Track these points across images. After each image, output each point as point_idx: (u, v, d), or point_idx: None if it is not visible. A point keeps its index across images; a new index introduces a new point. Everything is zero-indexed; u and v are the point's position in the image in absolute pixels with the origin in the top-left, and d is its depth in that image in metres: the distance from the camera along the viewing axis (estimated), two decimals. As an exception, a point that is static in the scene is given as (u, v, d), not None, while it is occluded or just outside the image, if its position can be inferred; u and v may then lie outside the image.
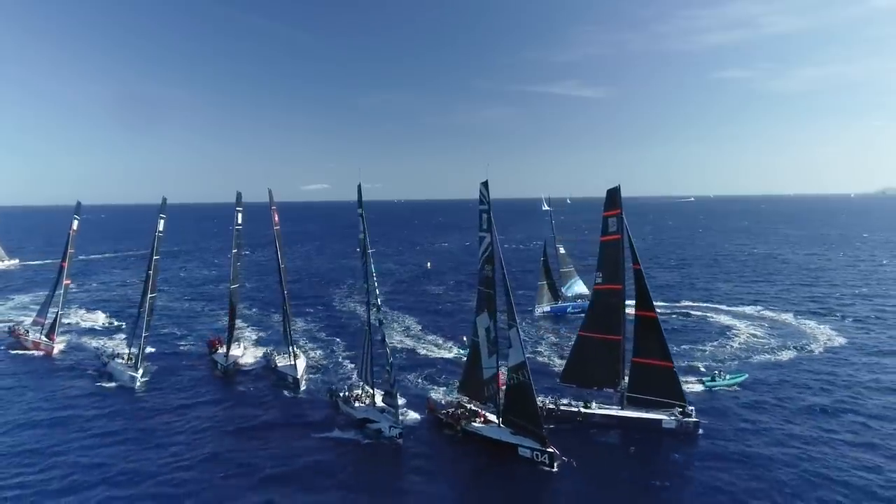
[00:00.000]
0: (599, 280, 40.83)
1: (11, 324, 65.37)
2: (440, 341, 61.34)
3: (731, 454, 34.13)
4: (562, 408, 39.37)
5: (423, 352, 57.61)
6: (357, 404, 41.02)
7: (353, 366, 52.77)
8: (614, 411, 39.03)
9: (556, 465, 32.88)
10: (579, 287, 76.54)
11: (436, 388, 46.63)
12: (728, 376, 46.29)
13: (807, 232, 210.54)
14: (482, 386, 38.54)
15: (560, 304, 73.49)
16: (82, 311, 77.48)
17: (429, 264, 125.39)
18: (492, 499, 30.72)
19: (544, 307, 73.29)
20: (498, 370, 37.68)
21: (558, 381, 42.71)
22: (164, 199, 53.12)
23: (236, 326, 55.30)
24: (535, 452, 33.68)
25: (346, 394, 42.63)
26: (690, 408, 37.91)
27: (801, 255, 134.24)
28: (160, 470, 32.90)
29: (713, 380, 45.41)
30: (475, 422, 37.97)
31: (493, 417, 38.18)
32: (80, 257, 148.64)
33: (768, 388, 45.00)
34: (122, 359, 51.47)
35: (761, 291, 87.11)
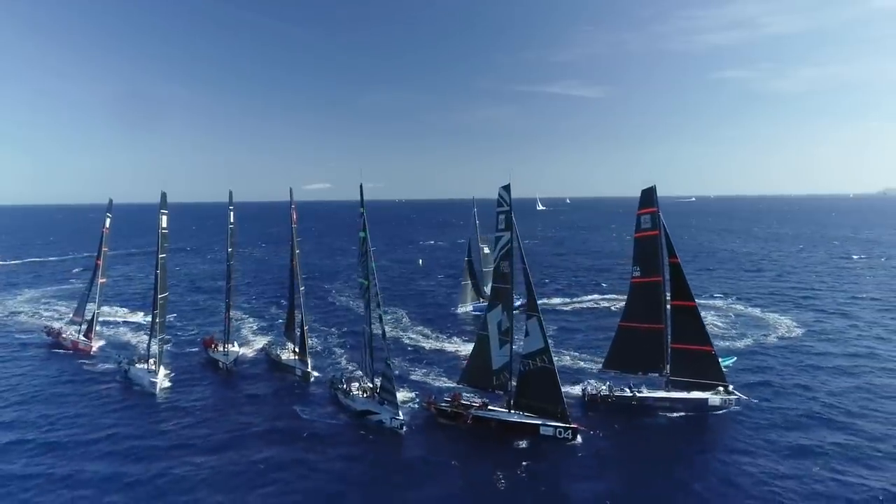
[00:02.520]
0: (637, 273, 43.42)
1: (54, 324, 65.48)
2: (428, 334, 64.56)
3: (761, 426, 38.01)
4: (616, 394, 41.91)
5: (413, 345, 60.35)
6: (357, 396, 42.64)
7: (349, 358, 55.17)
8: (663, 394, 41.79)
9: (579, 437, 35.89)
10: None
11: (430, 382, 48.30)
12: (720, 359, 50.03)
13: (793, 231, 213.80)
14: (491, 375, 40.56)
15: (483, 302, 73.54)
16: (119, 308, 78.02)
17: (420, 261, 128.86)
18: (516, 478, 32.18)
19: (467, 306, 74.17)
20: (511, 359, 39.77)
21: (600, 368, 45.01)
22: (164, 194, 51.22)
23: (232, 322, 56.21)
24: (557, 430, 36.28)
25: (345, 386, 43.95)
26: (731, 386, 41.07)
27: (779, 253, 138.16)
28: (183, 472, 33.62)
29: None
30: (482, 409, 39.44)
31: (493, 406, 40.01)
32: (86, 254, 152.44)
33: (759, 367, 49.71)
34: (143, 363, 50.23)
35: (734, 285, 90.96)
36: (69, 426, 40.01)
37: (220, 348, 55.22)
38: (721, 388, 40.71)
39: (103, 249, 60.98)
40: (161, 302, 49.23)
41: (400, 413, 38.37)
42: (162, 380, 47.36)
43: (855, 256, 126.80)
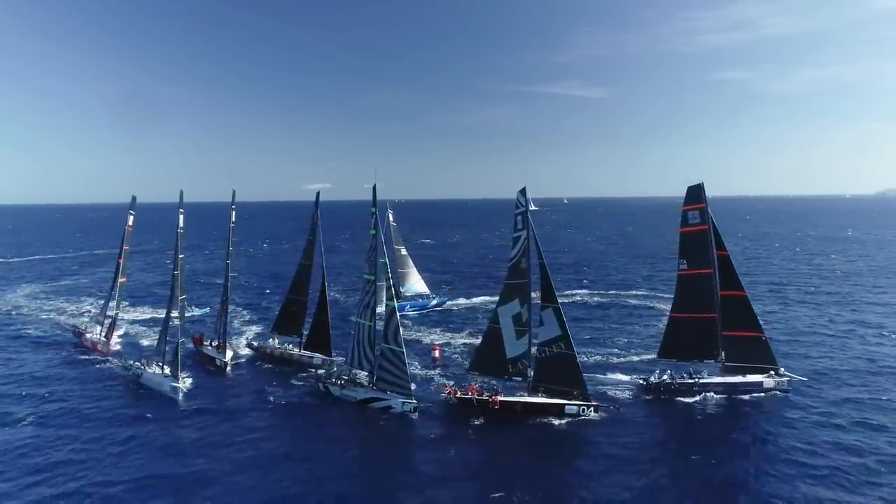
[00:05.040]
0: (684, 266, 46.07)
1: (80, 324, 64.68)
2: (409, 326, 67.50)
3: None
4: (678, 381, 44.06)
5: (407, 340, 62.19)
6: (357, 387, 44.40)
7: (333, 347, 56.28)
8: (721, 379, 44.16)
9: (598, 413, 39.47)
10: (418, 286, 79.02)
11: (437, 373, 50.23)
12: None
13: (778, 230, 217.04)
14: (506, 364, 43.17)
15: (399, 303, 73.01)
16: (140, 307, 77.65)
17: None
18: (539, 456, 35.09)
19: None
20: (530, 348, 42.48)
21: (656, 356, 47.47)
22: (182, 192, 50.36)
23: (225, 319, 55.61)
24: (580, 408, 39.53)
25: (337, 379, 45.64)
26: (782, 369, 43.88)
27: (756, 251, 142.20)
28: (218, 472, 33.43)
29: None
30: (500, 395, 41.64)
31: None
32: (83, 252, 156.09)
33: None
34: (157, 367, 47.98)
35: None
36: (66, 430, 38.66)
37: (211, 345, 55.11)
38: (773, 371, 43.45)
39: (125, 248, 60.00)
40: (181, 304, 47.70)
41: (413, 398, 40.86)
42: (182, 385, 44.91)
43: (833, 256, 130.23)
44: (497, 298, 78.70)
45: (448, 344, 59.34)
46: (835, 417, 38.92)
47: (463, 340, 60.69)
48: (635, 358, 52.69)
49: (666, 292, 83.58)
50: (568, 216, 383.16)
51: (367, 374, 45.41)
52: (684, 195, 46.53)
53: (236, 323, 69.75)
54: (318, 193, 59.08)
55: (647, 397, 43.48)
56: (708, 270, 44.72)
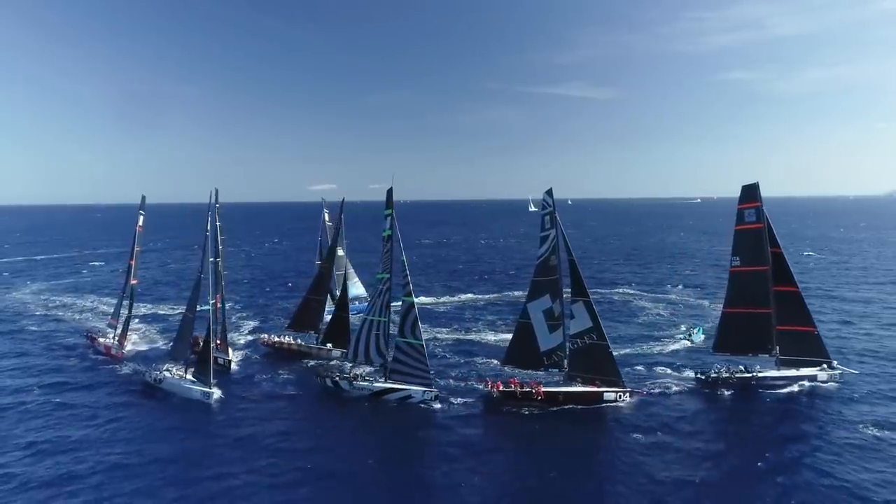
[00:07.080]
0: (737, 263, 46.90)
1: (93, 328, 63.71)
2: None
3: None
4: (737, 375, 44.93)
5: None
6: (371, 380, 45.42)
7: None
8: (777, 372, 44.98)
9: (634, 397, 41.45)
10: (357, 289, 74.41)
11: (472, 370, 50.30)
12: (696, 331, 56.78)
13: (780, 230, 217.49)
14: (540, 356, 44.43)
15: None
16: (149, 309, 76.36)
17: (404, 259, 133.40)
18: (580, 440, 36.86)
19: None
20: (564, 340, 43.88)
21: (711, 350, 48.22)
22: (212, 192, 50.30)
23: (221, 318, 54.64)
24: (618, 394, 41.52)
25: (347, 373, 46.48)
26: (835, 362, 44.93)
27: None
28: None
29: (690, 336, 55.20)
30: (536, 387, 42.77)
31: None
32: (99, 250, 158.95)
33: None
34: (180, 373, 46.76)
35: (691, 279, 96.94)
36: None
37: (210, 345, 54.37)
38: (826, 365, 44.36)
39: (136, 249, 58.28)
40: (212, 306, 47.23)
41: (433, 386, 42.43)
42: (215, 391, 43.53)
43: (806, 253, 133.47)
44: (485, 297, 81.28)
45: (435, 339, 60.45)
46: (889, 407, 39.79)
47: (450, 336, 62.10)
48: (679, 349, 54.71)
49: (681, 291, 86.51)
50: (571, 217, 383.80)
51: (378, 367, 46.70)
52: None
53: (234, 319, 70.19)
54: (342, 200, 61.39)
55: (705, 390, 43.95)
56: (764, 268, 45.46)
